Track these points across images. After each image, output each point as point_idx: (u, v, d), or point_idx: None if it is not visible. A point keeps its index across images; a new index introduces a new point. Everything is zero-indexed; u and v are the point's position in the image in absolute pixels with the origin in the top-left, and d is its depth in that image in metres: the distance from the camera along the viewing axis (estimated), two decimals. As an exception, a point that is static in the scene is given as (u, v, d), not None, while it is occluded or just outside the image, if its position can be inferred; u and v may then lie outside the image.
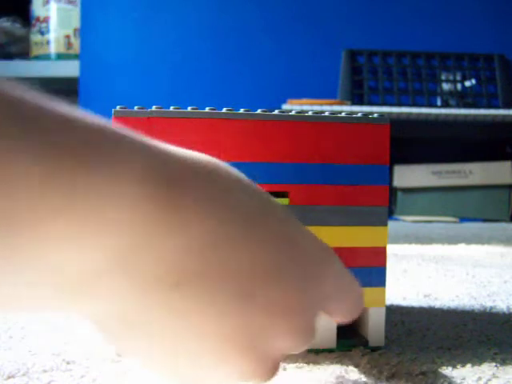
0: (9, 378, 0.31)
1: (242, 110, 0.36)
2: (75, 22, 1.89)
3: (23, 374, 0.32)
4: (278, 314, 0.21)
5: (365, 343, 0.38)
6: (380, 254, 0.38)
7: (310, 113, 0.37)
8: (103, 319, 0.20)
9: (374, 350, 0.37)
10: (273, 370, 0.22)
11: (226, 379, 0.21)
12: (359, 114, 0.38)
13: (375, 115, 0.38)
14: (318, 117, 0.37)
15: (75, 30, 1.89)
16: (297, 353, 0.23)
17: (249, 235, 0.20)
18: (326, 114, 0.37)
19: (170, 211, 0.18)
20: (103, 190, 0.16)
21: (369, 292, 0.37)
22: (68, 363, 0.34)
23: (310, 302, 0.22)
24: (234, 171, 0.22)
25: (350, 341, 0.38)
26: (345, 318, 0.26)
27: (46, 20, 1.84)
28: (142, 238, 0.18)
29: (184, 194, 0.19)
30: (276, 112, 0.36)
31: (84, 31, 1.89)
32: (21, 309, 0.19)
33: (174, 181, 0.19)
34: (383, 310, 0.38)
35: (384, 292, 0.38)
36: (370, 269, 0.37)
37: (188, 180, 0.19)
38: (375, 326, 0.37)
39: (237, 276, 0.20)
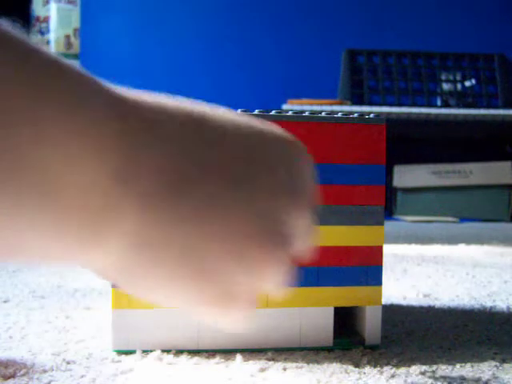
0: (9, 378, 0.31)
1: (239, 111, 0.36)
2: (75, 22, 1.89)
3: (23, 374, 0.32)
4: (280, 190, 0.22)
5: (362, 341, 0.38)
6: (376, 253, 0.38)
7: (306, 113, 0.37)
8: (115, 260, 0.19)
9: (371, 348, 0.37)
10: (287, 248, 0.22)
11: (253, 277, 0.21)
12: (355, 115, 0.38)
13: (371, 115, 0.38)
14: (314, 117, 0.37)
15: (75, 30, 1.89)
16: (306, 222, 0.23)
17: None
18: (323, 114, 0.37)
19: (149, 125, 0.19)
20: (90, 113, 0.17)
21: (365, 290, 0.38)
22: (68, 363, 0.34)
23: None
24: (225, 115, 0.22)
25: (346, 339, 0.38)
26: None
27: (46, 20, 1.85)
28: (131, 151, 0.18)
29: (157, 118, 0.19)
30: (273, 112, 0.36)
31: (84, 31, 1.89)
32: (26, 256, 0.19)
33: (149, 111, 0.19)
34: (380, 309, 0.38)
35: (380, 291, 0.38)
36: (366, 268, 0.38)
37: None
38: (372, 325, 0.38)
39: (229, 166, 0.20)
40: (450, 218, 1.81)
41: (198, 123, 0.20)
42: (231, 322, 0.22)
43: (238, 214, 0.20)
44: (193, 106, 0.21)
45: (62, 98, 0.17)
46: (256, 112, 0.36)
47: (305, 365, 0.34)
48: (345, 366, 0.34)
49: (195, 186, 0.19)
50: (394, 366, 0.34)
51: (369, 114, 0.38)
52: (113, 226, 0.18)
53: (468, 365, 0.34)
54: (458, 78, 2.03)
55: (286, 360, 0.35)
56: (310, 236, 0.24)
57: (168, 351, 0.36)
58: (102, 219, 0.18)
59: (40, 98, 0.16)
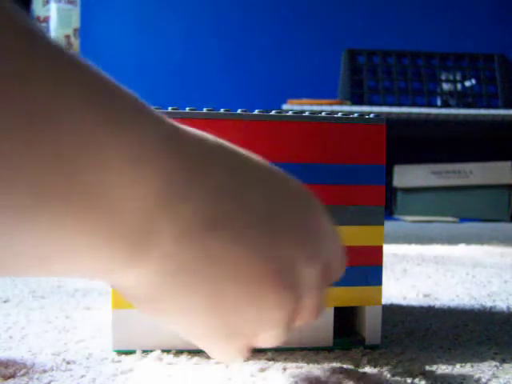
0: (9, 378, 0.31)
1: (239, 111, 0.35)
2: (75, 22, 1.89)
3: (23, 374, 0.32)
4: (301, 237, 0.23)
5: (362, 341, 0.38)
6: (376, 253, 0.38)
7: (306, 113, 0.37)
8: (143, 282, 0.20)
9: (371, 348, 0.37)
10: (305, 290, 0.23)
11: (265, 318, 0.22)
12: (355, 115, 0.37)
13: (371, 115, 0.38)
14: (314, 117, 0.37)
15: (75, 30, 1.89)
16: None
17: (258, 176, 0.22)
18: (323, 114, 0.37)
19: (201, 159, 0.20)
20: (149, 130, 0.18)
21: (365, 290, 0.38)
22: (68, 363, 0.34)
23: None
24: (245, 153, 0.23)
25: (346, 339, 0.38)
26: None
27: (46, 20, 1.85)
28: (179, 178, 0.19)
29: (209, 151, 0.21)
30: (273, 112, 0.36)
31: (84, 31, 1.89)
32: (71, 273, 0.19)
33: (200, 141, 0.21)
34: (380, 309, 0.38)
35: (380, 291, 0.38)
36: (366, 268, 0.37)
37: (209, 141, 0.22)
38: (372, 325, 0.38)
39: (259, 211, 0.21)
40: (449, 218, 1.81)
41: (241, 162, 0.22)
42: (228, 356, 0.24)
43: (258, 256, 0.21)
44: (231, 145, 0.23)
45: (126, 130, 0.18)
46: (256, 112, 0.36)
47: (305, 365, 0.34)
48: (345, 366, 0.34)
49: (227, 227, 0.20)
50: (393, 365, 0.34)
51: (369, 114, 0.38)
52: (152, 248, 0.19)
53: (468, 365, 0.34)
54: (458, 77, 2.03)
55: (285, 360, 0.35)
56: (320, 293, 0.25)
57: (168, 351, 0.36)
58: (143, 239, 0.18)
59: (106, 131, 0.17)
